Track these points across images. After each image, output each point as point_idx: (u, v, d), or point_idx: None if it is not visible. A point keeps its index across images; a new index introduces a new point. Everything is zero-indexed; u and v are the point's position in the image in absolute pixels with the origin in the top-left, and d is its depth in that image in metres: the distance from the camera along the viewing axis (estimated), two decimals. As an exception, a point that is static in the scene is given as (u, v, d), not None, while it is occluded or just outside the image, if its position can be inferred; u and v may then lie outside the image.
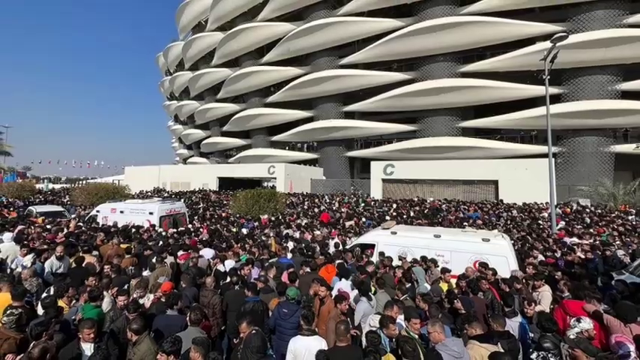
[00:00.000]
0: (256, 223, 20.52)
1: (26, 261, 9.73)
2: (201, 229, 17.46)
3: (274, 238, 15.19)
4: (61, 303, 6.60)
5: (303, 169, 48.31)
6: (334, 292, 7.68)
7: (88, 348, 5.27)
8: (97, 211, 20.36)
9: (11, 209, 24.07)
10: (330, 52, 48.98)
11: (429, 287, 8.94)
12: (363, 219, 22.61)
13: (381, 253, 11.14)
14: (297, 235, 16.51)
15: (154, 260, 9.77)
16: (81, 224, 17.64)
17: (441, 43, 40.14)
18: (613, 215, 22.91)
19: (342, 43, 47.31)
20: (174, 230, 16.85)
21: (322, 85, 48.70)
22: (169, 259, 10.03)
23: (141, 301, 7.04)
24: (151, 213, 18.44)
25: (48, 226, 16.33)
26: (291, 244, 13.99)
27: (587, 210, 25.19)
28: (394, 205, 28.89)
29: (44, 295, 7.23)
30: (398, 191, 36.97)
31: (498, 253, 10.25)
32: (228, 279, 8.77)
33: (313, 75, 48.81)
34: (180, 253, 10.83)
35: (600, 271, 11.18)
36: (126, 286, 7.57)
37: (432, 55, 41.82)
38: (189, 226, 19.39)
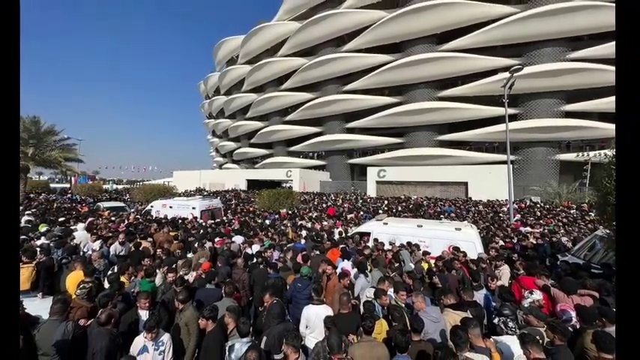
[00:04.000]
0: (276, 216, 20.48)
1: (95, 246, 9.77)
2: (233, 221, 17.41)
3: (291, 227, 15.15)
4: (122, 279, 6.62)
5: (314, 173, 48.35)
6: (338, 270, 7.65)
7: (144, 314, 5.31)
8: (151, 207, 20.34)
9: (83, 205, 24.11)
10: (335, 80, 49.20)
11: (413, 266, 8.88)
12: (361, 212, 22.53)
13: (375, 240, 11.06)
14: (309, 225, 16.45)
15: (196, 245, 9.78)
16: (138, 217, 17.64)
17: (422, 73, 40.37)
18: (558, 210, 22.75)
19: (345, 73, 47.56)
20: (212, 221, 16.79)
21: (328, 106, 49.05)
22: (208, 244, 10.01)
23: (186, 277, 7.04)
24: (193, 208, 18.40)
25: (112, 218, 16.36)
26: (304, 233, 13.97)
27: (538, 205, 25.04)
28: (385, 202, 28.81)
29: (109, 272, 7.25)
30: (389, 191, 36.92)
31: (468, 240, 10.20)
32: (255, 260, 8.76)
33: (322, 99, 49.16)
34: (216, 239, 10.80)
35: (548, 253, 11.11)
36: (174, 266, 7.56)
37: (416, 82, 41.86)
38: (224, 218, 19.38)
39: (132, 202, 28.44)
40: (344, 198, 32.92)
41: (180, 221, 15.61)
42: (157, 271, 7.21)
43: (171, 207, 19.22)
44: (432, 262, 9.10)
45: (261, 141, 61.49)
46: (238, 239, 11.63)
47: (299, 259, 8.58)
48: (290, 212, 21.97)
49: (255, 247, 10.41)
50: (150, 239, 10.97)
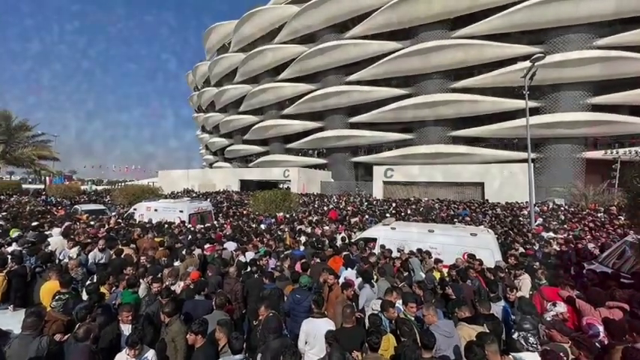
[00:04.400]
0: (273, 220, 20.50)
1: (72, 253, 9.78)
2: (225, 225, 17.45)
3: (289, 232, 15.17)
4: (102, 289, 6.64)
5: (314, 172, 48.34)
6: (341, 280, 7.66)
7: (126, 329, 5.32)
8: (134, 210, 20.39)
9: (59, 208, 24.13)
10: (337, 70, 49.13)
11: (423, 276, 8.89)
12: (367, 216, 22.54)
13: (382, 246, 11.08)
14: (308, 230, 16.47)
15: (183, 252, 9.81)
16: (120, 221, 17.67)
17: (434, 62, 40.30)
18: (584, 213, 22.73)
19: (349, 62, 47.46)
20: (202, 226, 16.85)
21: (331, 99, 48.95)
22: (197, 251, 10.04)
23: (172, 287, 7.06)
24: (181, 211, 18.44)
25: (91, 223, 16.39)
26: (303, 238, 13.99)
27: (562, 208, 25.04)
28: (393, 204, 28.82)
29: (88, 282, 7.28)
30: (397, 192, 36.93)
31: (484, 246, 10.20)
32: (249, 268, 8.77)
33: (323, 90, 49.12)
34: (206, 245, 10.83)
35: (573, 261, 11.12)
36: (159, 275, 7.57)
37: (427, 72, 41.84)
38: (215, 222, 19.41)
39: (113, 205, 28.49)
40: (347, 200, 32.92)
41: (166, 226, 15.63)
42: (141, 280, 7.23)
43: (156, 210, 19.24)
44: (445, 270, 9.10)
45: (255, 137, 61.57)
46: (230, 246, 11.65)
47: (298, 267, 8.59)
48: (288, 216, 22.00)
49: (250, 255, 10.42)
50: (133, 246, 11.00)
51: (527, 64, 20.34)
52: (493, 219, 21.99)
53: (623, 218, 19.24)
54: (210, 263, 9.04)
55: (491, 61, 38.20)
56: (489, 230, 12.17)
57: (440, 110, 41.10)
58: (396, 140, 46.28)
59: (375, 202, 31.35)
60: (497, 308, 6.34)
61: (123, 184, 56.11)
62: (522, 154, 34.01)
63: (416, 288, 7.29)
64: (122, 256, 9.46)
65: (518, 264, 9.35)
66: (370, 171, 40.72)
